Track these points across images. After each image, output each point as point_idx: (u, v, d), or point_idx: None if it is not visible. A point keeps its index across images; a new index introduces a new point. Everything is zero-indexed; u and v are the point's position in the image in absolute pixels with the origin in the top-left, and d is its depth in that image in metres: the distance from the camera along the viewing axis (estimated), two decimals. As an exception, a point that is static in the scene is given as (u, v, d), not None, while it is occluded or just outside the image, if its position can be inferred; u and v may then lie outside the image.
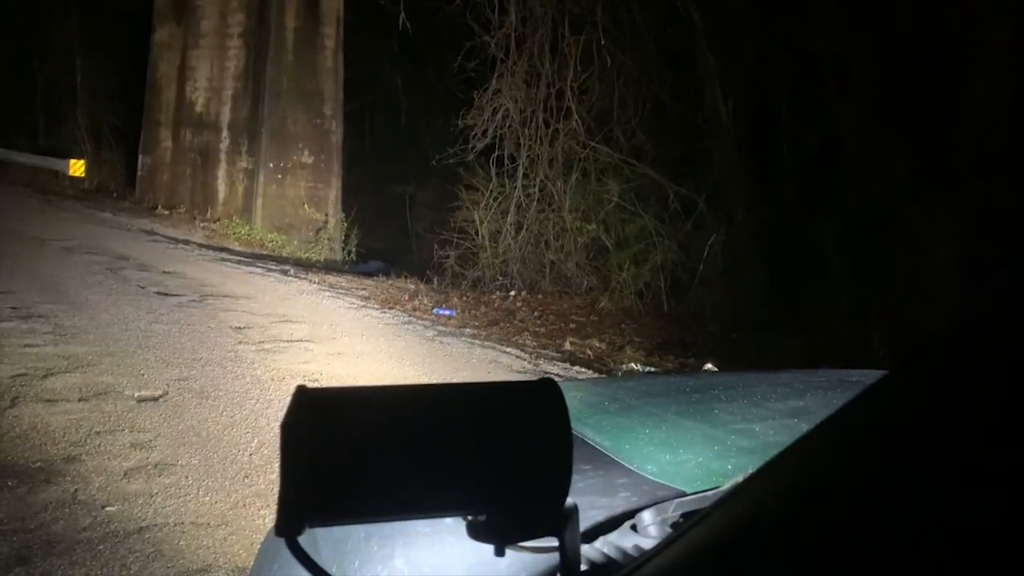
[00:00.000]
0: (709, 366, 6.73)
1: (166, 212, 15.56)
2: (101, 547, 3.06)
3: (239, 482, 3.76)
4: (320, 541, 1.06)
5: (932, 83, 7.59)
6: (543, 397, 0.67)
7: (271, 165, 14.85)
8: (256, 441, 4.24)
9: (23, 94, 20.80)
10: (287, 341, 6.53)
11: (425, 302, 9.03)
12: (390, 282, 10.14)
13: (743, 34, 9.72)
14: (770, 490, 0.56)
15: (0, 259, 8.71)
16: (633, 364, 7.12)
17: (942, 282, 6.77)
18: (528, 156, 10.63)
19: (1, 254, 9.04)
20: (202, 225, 14.54)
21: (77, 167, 18.34)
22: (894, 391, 0.52)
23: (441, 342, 7.21)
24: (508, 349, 7.21)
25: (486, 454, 0.65)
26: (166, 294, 7.86)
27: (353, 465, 0.62)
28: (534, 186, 10.61)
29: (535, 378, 0.69)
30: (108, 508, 3.37)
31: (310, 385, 0.64)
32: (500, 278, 10.54)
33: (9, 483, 3.50)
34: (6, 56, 20.91)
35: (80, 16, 19.44)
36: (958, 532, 0.40)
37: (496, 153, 10.69)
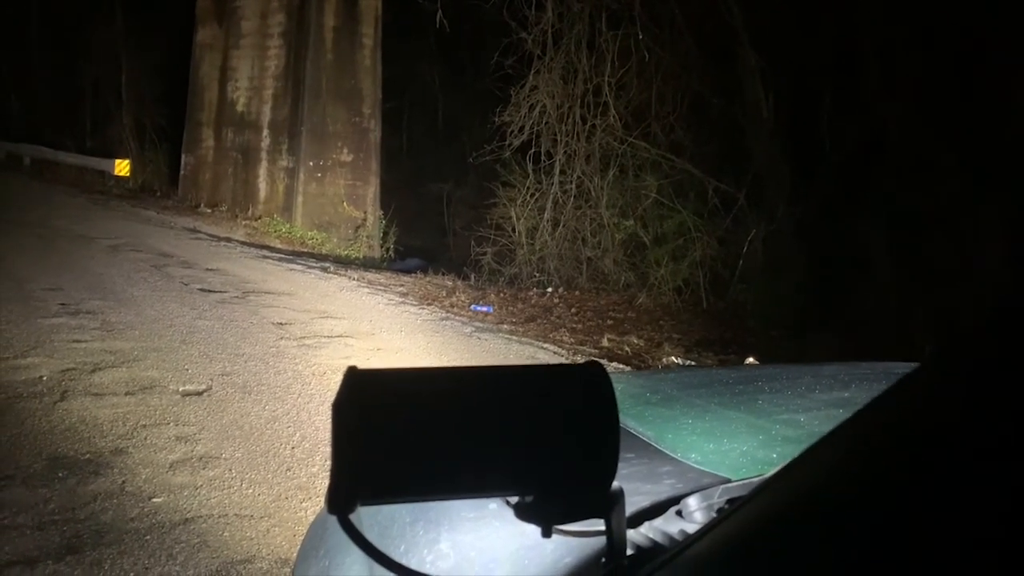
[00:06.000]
0: (751, 360, 6.66)
1: (208, 210, 15.81)
2: (148, 537, 3.11)
3: (281, 475, 3.81)
4: (366, 525, 1.07)
5: (979, 77, 7.42)
6: (590, 379, 0.67)
7: (311, 163, 15.02)
8: (298, 435, 4.29)
9: (70, 96, 21.31)
10: (327, 337, 6.60)
11: (462, 298, 9.06)
12: (428, 279, 10.19)
13: (784, 28, 9.59)
14: (810, 477, 0.56)
15: (49, 257, 8.93)
16: (673, 358, 7.08)
17: (989, 279, 6.62)
18: (565, 152, 10.61)
19: (50, 252, 9.27)
20: (244, 223, 14.75)
21: (122, 167, 18.72)
22: (928, 382, 0.52)
23: (479, 338, 7.23)
24: (545, 345, 7.21)
25: (534, 436, 0.66)
26: (209, 291, 7.99)
27: (403, 445, 0.63)
28: (571, 182, 10.58)
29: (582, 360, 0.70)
30: (155, 499, 3.44)
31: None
32: (537, 275, 10.53)
33: (60, 474, 3.58)
34: (54, 59, 21.45)
35: (125, 18, 19.85)
36: (988, 524, 0.40)
37: (533, 150, 10.68)
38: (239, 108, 16.39)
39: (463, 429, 0.65)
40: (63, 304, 6.72)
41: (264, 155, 15.78)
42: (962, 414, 0.46)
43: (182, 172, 17.65)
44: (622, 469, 0.67)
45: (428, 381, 0.69)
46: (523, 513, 0.67)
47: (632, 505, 0.94)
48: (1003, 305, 0.49)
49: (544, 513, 0.66)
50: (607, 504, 0.67)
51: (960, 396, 0.47)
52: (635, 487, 1.02)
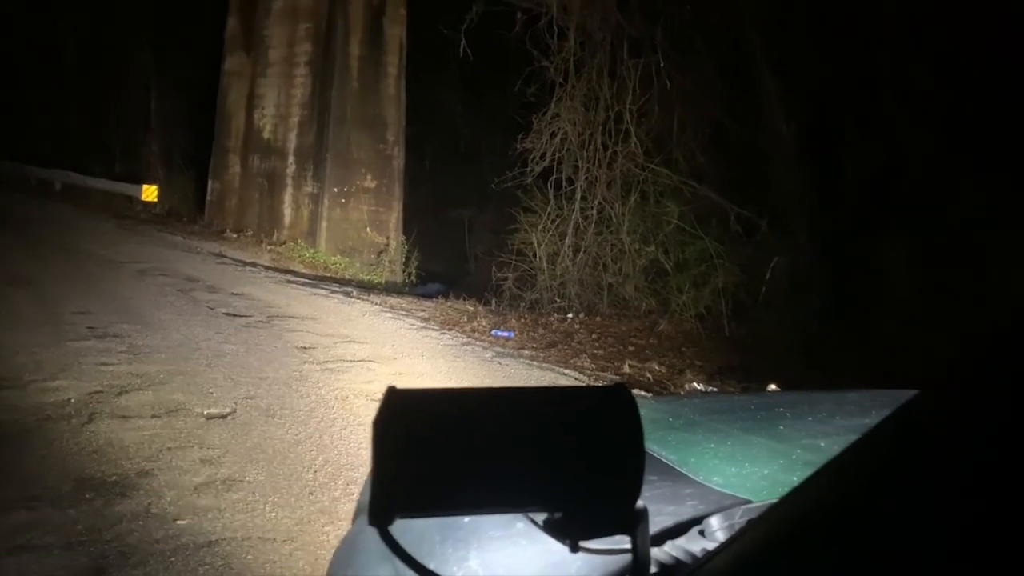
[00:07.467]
0: (773, 387, 6.61)
1: (234, 236, 16.01)
2: (173, 559, 3.15)
3: (304, 498, 3.83)
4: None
5: (1001, 99, 7.40)
6: (617, 401, 0.70)
7: (335, 189, 15.19)
8: (320, 459, 4.32)
9: (100, 122, 21.73)
10: (350, 361, 6.65)
11: (483, 324, 9.09)
12: (449, 304, 10.23)
13: (804, 54, 9.62)
14: (820, 495, 0.59)
15: (78, 281, 9.08)
16: (696, 385, 7.05)
17: (1013, 304, 6.54)
18: (586, 178, 10.66)
19: (79, 276, 9.42)
20: (268, 248, 14.92)
21: (150, 192, 19.01)
22: (920, 410, 0.55)
23: (500, 363, 7.25)
24: (567, 371, 7.20)
25: (563, 454, 0.69)
26: (234, 315, 8.08)
27: (439, 461, 0.66)
28: (592, 208, 10.62)
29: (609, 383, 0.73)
30: (179, 521, 3.47)
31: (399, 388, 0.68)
32: (558, 300, 10.54)
33: (87, 496, 3.63)
34: (85, 86, 21.92)
35: (155, 47, 20.27)
36: (971, 544, 0.43)
37: (554, 176, 10.73)
38: (265, 135, 16.63)
39: (496, 447, 0.68)
40: (91, 327, 6.83)
41: (289, 181, 15.98)
42: (958, 435, 0.49)
43: (208, 198, 17.90)
44: (645, 491, 0.69)
45: (463, 401, 0.72)
46: (551, 529, 0.70)
47: (656, 525, 0.96)
48: (985, 337, 0.52)
49: (571, 529, 0.69)
50: (632, 521, 0.69)
51: (956, 418, 0.50)
52: (658, 508, 1.04)
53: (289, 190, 15.99)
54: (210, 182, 17.88)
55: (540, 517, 0.72)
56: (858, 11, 8.99)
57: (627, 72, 10.32)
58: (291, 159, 16.03)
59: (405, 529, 1.10)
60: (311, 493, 3.90)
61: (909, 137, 8.35)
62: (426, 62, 16.65)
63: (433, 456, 0.66)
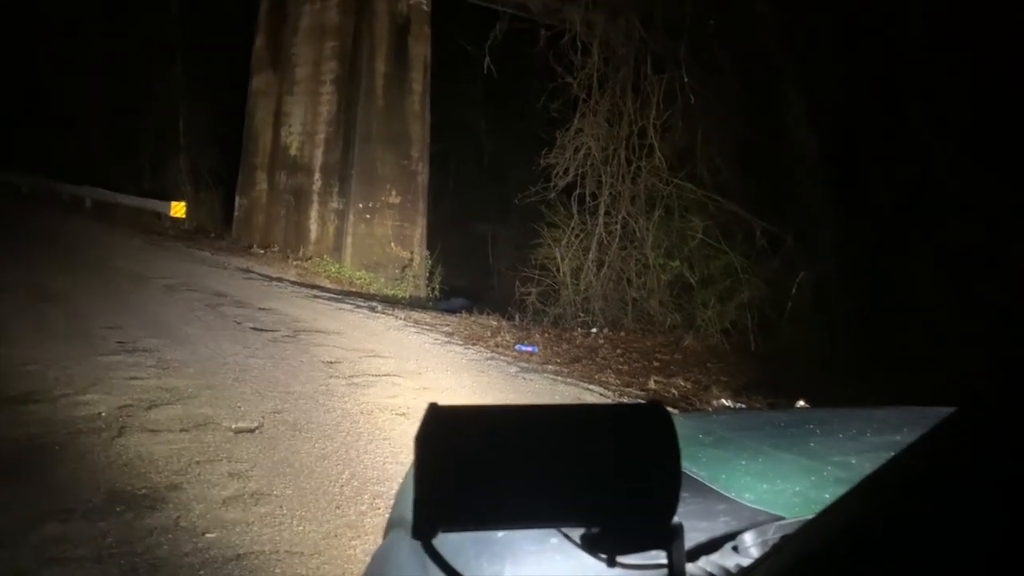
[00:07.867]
0: (801, 403, 6.56)
1: (261, 251, 16.17)
2: (202, 572, 3.17)
3: (331, 512, 3.85)
4: (430, 561, 1.11)
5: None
6: (653, 418, 0.71)
7: (360, 205, 15.31)
8: (347, 473, 4.34)
9: (130, 140, 22.09)
10: (375, 375, 6.68)
11: (507, 338, 9.09)
12: (473, 318, 10.26)
13: (829, 68, 9.59)
14: (855, 512, 0.60)
15: (108, 296, 9.21)
16: (723, 401, 7.00)
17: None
18: (610, 193, 10.67)
19: (109, 291, 9.55)
20: (295, 263, 15.05)
21: (178, 209, 19.25)
22: (958, 428, 0.55)
23: (524, 378, 7.25)
24: (591, 387, 7.19)
25: (600, 470, 0.70)
26: (261, 329, 8.15)
27: (479, 476, 0.68)
28: (616, 223, 10.62)
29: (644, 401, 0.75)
30: (208, 535, 3.50)
31: (441, 404, 0.69)
32: (581, 315, 10.53)
33: (117, 509, 3.67)
34: (115, 104, 22.30)
35: (184, 66, 20.60)
36: (1009, 565, 0.43)
37: (578, 191, 10.76)
38: (292, 152, 16.82)
39: (535, 463, 0.69)
40: (121, 342, 6.91)
41: (315, 197, 16.15)
42: (997, 453, 0.49)
43: (236, 214, 18.12)
44: (678, 507, 0.70)
45: (503, 417, 0.74)
46: (589, 544, 0.71)
47: (689, 541, 0.97)
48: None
49: (608, 544, 0.70)
50: (668, 537, 0.70)
51: (994, 437, 0.51)
52: (691, 524, 1.04)
53: (315, 206, 16.15)
54: (237, 198, 18.10)
55: (576, 533, 0.73)
56: (883, 25, 8.96)
57: (651, 87, 10.34)
58: (317, 175, 16.19)
59: (440, 544, 1.11)
60: (338, 507, 3.91)
61: (936, 150, 8.28)
62: (450, 79, 16.79)
63: (474, 471, 0.67)
